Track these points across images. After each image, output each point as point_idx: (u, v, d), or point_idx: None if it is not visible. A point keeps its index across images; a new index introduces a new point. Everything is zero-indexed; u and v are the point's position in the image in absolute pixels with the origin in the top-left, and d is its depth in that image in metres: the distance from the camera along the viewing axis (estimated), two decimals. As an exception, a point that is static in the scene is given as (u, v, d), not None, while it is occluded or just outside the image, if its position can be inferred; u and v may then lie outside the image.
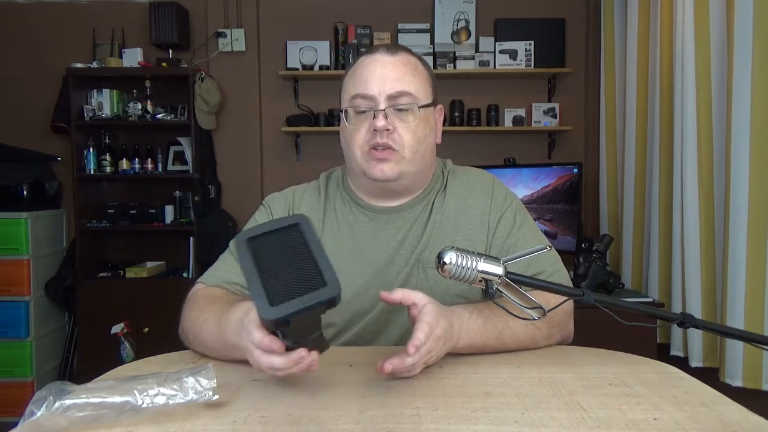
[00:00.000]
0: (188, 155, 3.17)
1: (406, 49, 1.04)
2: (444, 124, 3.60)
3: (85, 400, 0.64)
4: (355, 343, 1.02)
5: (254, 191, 3.29)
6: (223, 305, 0.90)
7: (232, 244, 1.08)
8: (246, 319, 0.71)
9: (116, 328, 2.83)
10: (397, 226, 1.05)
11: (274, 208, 1.09)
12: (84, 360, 3.08)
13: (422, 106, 0.99)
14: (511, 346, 0.91)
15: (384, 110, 0.96)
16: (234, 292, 1.02)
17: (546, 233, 2.73)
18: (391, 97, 0.97)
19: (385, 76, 0.97)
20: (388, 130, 0.96)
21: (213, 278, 1.03)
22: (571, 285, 0.96)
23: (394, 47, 1.02)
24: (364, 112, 0.98)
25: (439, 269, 0.74)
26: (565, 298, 0.79)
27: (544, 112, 3.15)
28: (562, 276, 1.00)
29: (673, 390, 0.75)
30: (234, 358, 0.84)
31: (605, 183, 2.95)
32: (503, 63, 3.16)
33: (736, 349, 1.90)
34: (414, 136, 0.98)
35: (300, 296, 0.60)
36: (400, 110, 0.98)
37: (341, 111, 1.03)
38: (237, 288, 1.02)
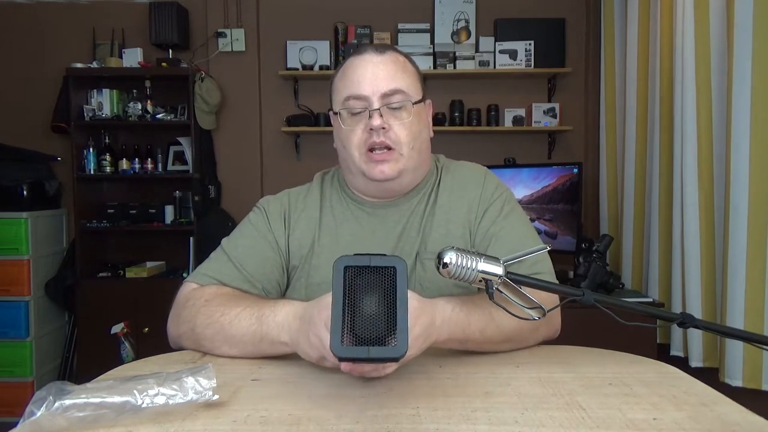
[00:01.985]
0: (188, 155, 3.17)
1: (394, 48, 1.05)
2: (444, 124, 3.56)
3: (85, 400, 0.64)
4: None
5: (254, 191, 3.29)
6: (255, 302, 0.90)
7: (224, 242, 1.08)
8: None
9: (116, 328, 2.83)
10: (394, 219, 1.06)
11: (269, 211, 1.09)
12: (84, 360, 3.08)
13: (415, 103, 1.00)
14: (496, 340, 0.89)
15: (378, 109, 0.97)
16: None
17: (546, 233, 2.74)
18: (384, 96, 0.98)
19: (376, 75, 0.98)
20: (384, 128, 0.97)
21: (207, 278, 1.02)
22: (554, 277, 0.97)
23: (381, 47, 1.03)
24: (358, 113, 0.99)
25: (440, 269, 0.74)
26: (564, 298, 0.79)
27: (544, 112, 3.15)
28: (545, 266, 1.00)
29: (672, 390, 0.75)
30: (268, 354, 0.87)
31: (605, 183, 2.95)
32: (503, 63, 3.16)
33: (736, 349, 1.90)
34: (409, 132, 0.99)
35: (369, 346, 0.65)
36: (394, 108, 0.99)
37: (334, 113, 1.03)
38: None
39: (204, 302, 0.95)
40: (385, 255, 0.68)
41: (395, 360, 0.65)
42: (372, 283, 0.67)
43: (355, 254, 0.68)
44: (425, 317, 0.79)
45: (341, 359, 0.66)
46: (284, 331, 0.82)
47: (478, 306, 0.88)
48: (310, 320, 0.76)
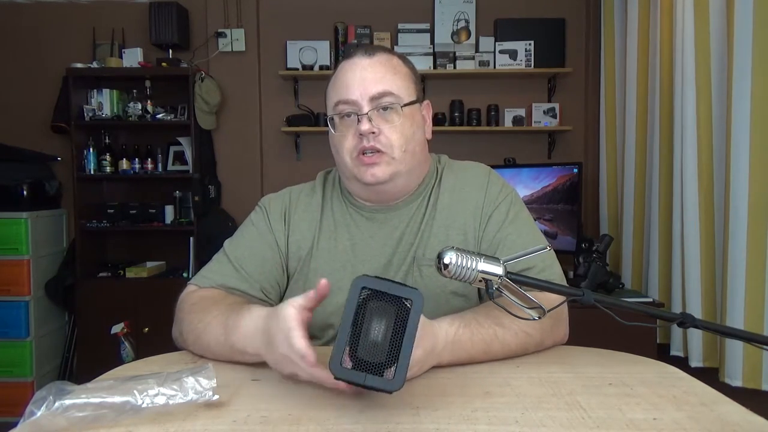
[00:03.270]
0: (188, 155, 3.17)
1: (385, 49, 1.03)
2: (444, 124, 3.55)
3: (85, 400, 0.64)
4: None
5: (254, 191, 3.29)
6: (225, 309, 0.89)
7: (226, 243, 1.08)
8: (291, 333, 0.71)
9: (116, 328, 2.83)
10: (393, 224, 1.04)
11: (270, 209, 1.08)
12: (84, 360, 3.08)
13: (405, 105, 0.99)
14: (500, 356, 0.88)
15: (367, 113, 0.96)
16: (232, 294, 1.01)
17: (546, 233, 2.74)
18: (373, 98, 0.96)
19: (364, 78, 0.97)
20: (373, 132, 0.95)
21: (207, 280, 1.02)
22: (565, 283, 0.95)
23: (372, 49, 1.01)
24: (348, 116, 0.98)
25: (440, 269, 0.74)
26: (564, 298, 0.79)
27: (544, 112, 3.15)
28: (554, 272, 0.99)
29: (672, 390, 0.75)
30: (240, 361, 0.85)
31: (605, 183, 2.95)
32: (503, 63, 3.16)
33: (736, 349, 1.90)
34: (401, 135, 0.98)
35: (366, 373, 0.65)
36: (385, 110, 0.97)
37: (327, 119, 1.03)
38: (235, 291, 1.01)
39: (189, 307, 0.96)
40: (405, 285, 0.68)
41: (388, 392, 0.65)
42: (386, 309, 0.67)
43: (376, 276, 0.68)
44: (427, 341, 0.78)
45: (337, 379, 0.66)
46: (249, 344, 0.80)
47: (482, 325, 0.87)
48: (272, 339, 0.74)
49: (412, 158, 1.01)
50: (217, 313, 0.89)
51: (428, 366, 0.81)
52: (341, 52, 3.17)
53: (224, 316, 0.87)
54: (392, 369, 0.65)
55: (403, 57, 1.05)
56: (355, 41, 3.17)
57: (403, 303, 0.67)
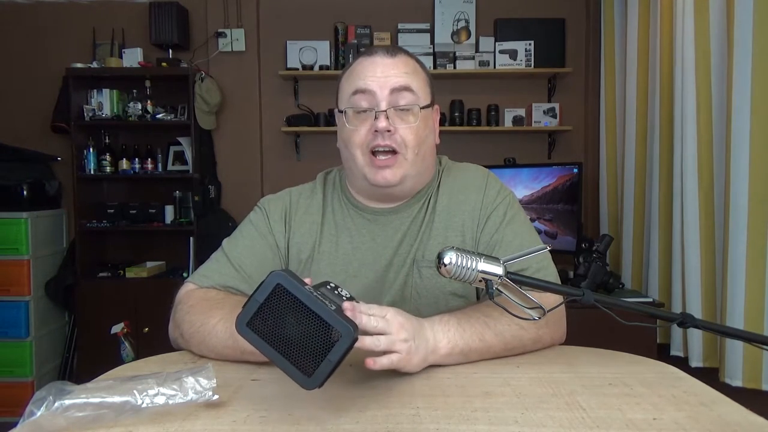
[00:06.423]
0: (188, 155, 3.17)
1: (405, 51, 1.03)
2: (444, 124, 3.58)
3: (85, 400, 0.64)
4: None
5: (254, 191, 3.29)
6: (231, 311, 0.89)
7: (225, 242, 1.07)
8: None
9: (116, 328, 2.83)
10: (395, 227, 1.04)
11: (270, 210, 1.08)
12: (84, 360, 3.08)
13: (423, 107, 0.98)
14: (498, 348, 0.88)
15: (385, 111, 0.95)
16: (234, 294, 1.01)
17: (546, 233, 2.74)
18: (393, 92, 0.95)
19: (386, 74, 0.96)
20: (389, 131, 0.95)
21: (207, 279, 1.02)
22: (559, 283, 0.95)
23: (393, 49, 1.00)
24: (364, 111, 0.97)
25: (440, 269, 0.74)
26: (564, 298, 0.79)
27: (544, 112, 3.15)
28: (549, 273, 0.99)
29: (672, 390, 0.75)
30: (250, 361, 0.86)
31: (605, 183, 2.95)
32: (503, 63, 3.16)
33: (736, 349, 1.90)
34: (416, 136, 0.97)
35: (326, 357, 0.64)
36: (402, 110, 0.96)
37: (340, 112, 1.02)
38: (234, 291, 1.01)
39: (189, 308, 0.95)
40: (263, 281, 0.66)
41: (353, 342, 0.64)
42: (278, 311, 0.65)
43: (243, 306, 0.66)
44: (411, 324, 0.79)
45: (320, 387, 0.65)
46: None
47: (470, 316, 0.88)
48: None
49: (423, 162, 1.01)
50: (222, 316, 0.89)
51: (423, 350, 0.80)
52: (341, 52, 3.17)
53: (229, 321, 0.87)
54: (334, 331, 0.64)
55: (420, 61, 1.05)
56: (355, 41, 3.17)
57: (279, 291, 0.65)
